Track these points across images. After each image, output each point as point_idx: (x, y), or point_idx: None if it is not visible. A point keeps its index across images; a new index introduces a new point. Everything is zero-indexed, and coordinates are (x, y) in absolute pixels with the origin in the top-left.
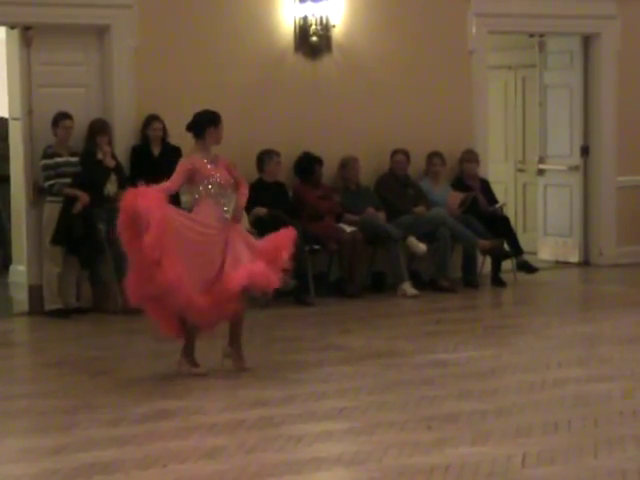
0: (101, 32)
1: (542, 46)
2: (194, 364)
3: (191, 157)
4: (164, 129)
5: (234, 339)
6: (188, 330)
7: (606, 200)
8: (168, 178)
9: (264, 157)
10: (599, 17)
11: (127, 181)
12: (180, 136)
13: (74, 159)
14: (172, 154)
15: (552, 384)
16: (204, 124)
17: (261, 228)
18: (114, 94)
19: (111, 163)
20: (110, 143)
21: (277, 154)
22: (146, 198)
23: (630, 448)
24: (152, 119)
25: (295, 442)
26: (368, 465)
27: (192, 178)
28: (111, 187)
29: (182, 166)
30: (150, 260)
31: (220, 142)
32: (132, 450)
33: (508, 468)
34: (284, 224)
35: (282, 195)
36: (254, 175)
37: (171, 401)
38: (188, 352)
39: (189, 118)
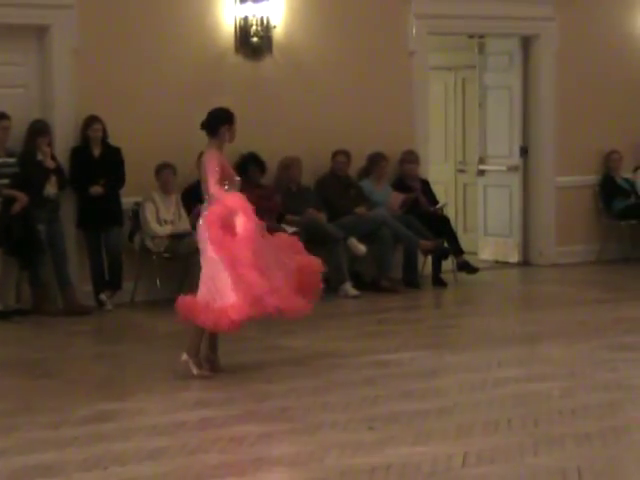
0: (41, 32)
1: (482, 47)
2: (199, 365)
3: (215, 152)
4: (104, 130)
5: (214, 344)
6: (196, 329)
7: (545, 200)
8: (108, 179)
9: (200, 157)
10: (538, 19)
11: (67, 182)
12: (120, 137)
13: (12, 160)
14: (112, 155)
15: (493, 384)
16: (218, 122)
17: None
18: (54, 95)
19: (51, 164)
20: (50, 144)
21: None
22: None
23: (569, 447)
24: (92, 120)
25: (237, 443)
26: (310, 466)
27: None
28: (51, 188)
29: (215, 159)
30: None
31: (233, 140)
32: (73, 452)
33: (449, 467)
34: None
35: None
36: (195, 175)
37: (112, 403)
38: (194, 352)
39: (130, 118)
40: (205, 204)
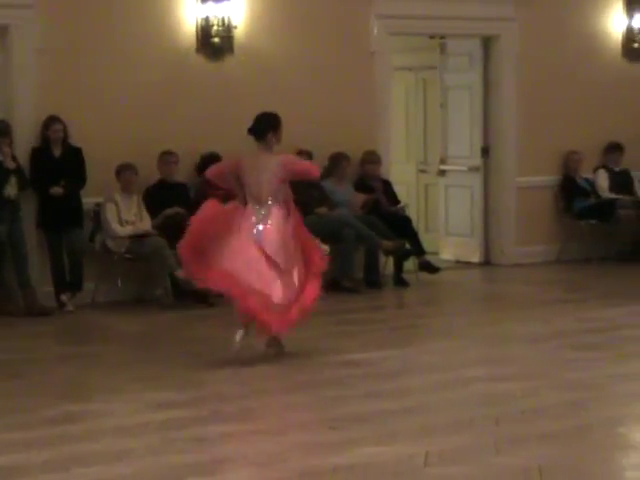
0: (1, 32)
1: (443, 48)
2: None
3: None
4: (65, 130)
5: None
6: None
7: (506, 200)
8: (69, 179)
9: (161, 157)
10: (498, 19)
11: (27, 183)
12: (81, 137)
13: None
14: (73, 155)
15: (456, 384)
16: (265, 128)
17: (165, 229)
18: (15, 95)
19: (11, 165)
20: (11, 145)
21: (173, 154)
22: None
23: (531, 446)
24: (52, 120)
25: (200, 444)
26: (273, 466)
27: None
28: (11, 189)
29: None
30: None
31: (279, 143)
32: (38, 454)
33: (411, 467)
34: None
35: (183, 195)
36: (156, 175)
37: (77, 404)
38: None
39: (91, 119)
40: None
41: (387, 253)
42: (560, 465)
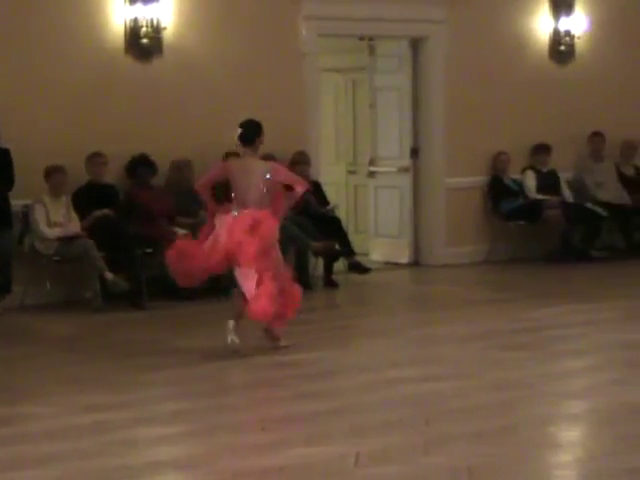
0: None
1: (372, 49)
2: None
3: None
4: None
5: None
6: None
7: (435, 201)
8: None
9: (90, 158)
10: (427, 21)
11: None
12: (9, 138)
13: None
14: (1, 156)
15: (386, 384)
16: (255, 134)
17: (94, 231)
18: None
19: None
20: None
21: (102, 155)
22: None
23: (461, 446)
24: None
25: (130, 446)
26: (203, 468)
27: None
28: None
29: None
30: None
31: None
32: None
33: (342, 468)
34: (116, 226)
35: (112, 197)
36: (84, 177)
37: (6, 408)
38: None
39: (19, 120)
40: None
41: (317, 254)
42: (489, 464)
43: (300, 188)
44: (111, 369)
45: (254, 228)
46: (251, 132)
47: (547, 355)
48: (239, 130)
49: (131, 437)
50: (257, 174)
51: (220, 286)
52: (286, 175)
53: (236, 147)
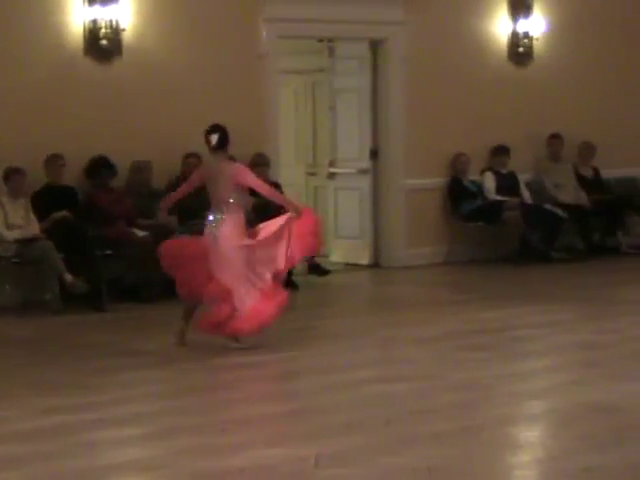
0: None
1: (331, 51)
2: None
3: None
4: None
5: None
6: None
7: (395, 203)
8: None
9: (49, 160)
10: (387, 23)
11: None
12: None
13: None
14: None
15: (346, 385)
16: (228, 138)
17: (54, 233)
18: None
19: None
20: None
21: (60, 157)
22: None
23: (421, 447)
24: None
25: (90, 449)
26: (163, 470)
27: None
28: None
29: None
30: None
31: None
32: None
33: (302, 469)
34: (76, 228)
35: (71, 199)
36: (43, 179)
37: None
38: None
39: None
40: (217, 211)
41: None
42: (449, 465)
43: (262, 192)
44: (71, 371)
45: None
46: (225, 138)
47: (506, 356)
48: (214, 135)
49: (92, 439)
50: (227, 176)
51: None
52: (251, 179)
53: (211, 152)
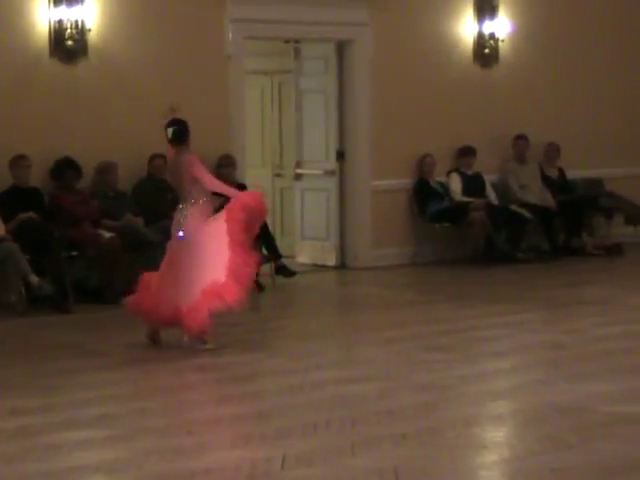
0: None
1: (297, 52)
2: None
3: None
4: None
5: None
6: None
7: (361, 204)
8: None
9: (14, 161)
10: (352, 24)
11: None
12: None
13: None
14: None
15: (311, 386)
16: (188, 132)
17: (19, 234)
18: None
19: None
20: None
21: (25, 158)
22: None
23: (386, 447)
24: None
25: (54, 451)
26: (128, 472)
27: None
28: None
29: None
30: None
31: None
32: None
33: (268, 470)
34: (41, 229)
35: (37, 200)
36: (9, 180)
37: None
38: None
39: None
40: (184, 205)
41: None
42: (415, 466)
43: (206, 183)
44: (35, 373)
45: None
46: (182, 131)
47: (472, 356)
48: (169, 129)
49: (55, 441)
50: (185, 168)
51: None
52: (196, 170)
53: (169, 145)
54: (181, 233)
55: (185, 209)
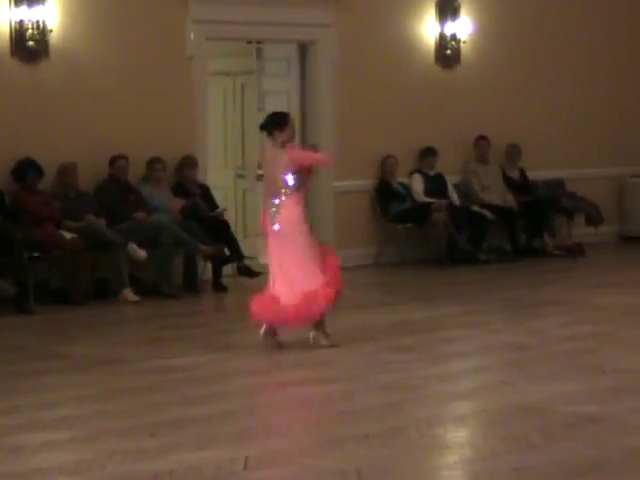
0: None
1: (260, 53)
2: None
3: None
4: None
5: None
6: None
7: (324, 204)
8: None
9: None
10: (315, 25)
11: None
12: None
13: None
14: None
15: (275, 387)
16: (271, 126)
17: None
18: None
19: None
20: None
21: None
22: None
23: (349, 448)
24: None
25: (17, 453)
26: (91, 474)
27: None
28: None
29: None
30: None
31: (292, 141)
32: None
33: (231, 471)
34: (4, 230)
35: None
36: None
37: None
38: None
39: None
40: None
41: (205, 258)
42: (378, 466)
43: (324, 165)
44: None
45: None
46: (266, 124)
47: (435, 357)
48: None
49: (17, 443)
50: (278, 164)
51: (107, 290)
52: (306, 160)
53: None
54: (277, 226)
55: (279, 203)
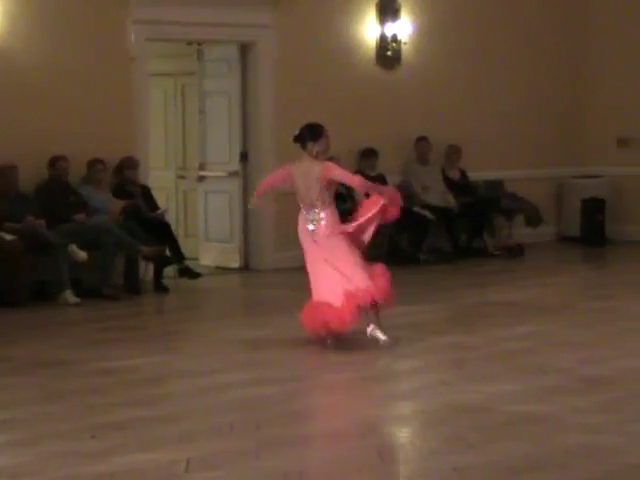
0: None
1: (200, 54)
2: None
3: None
4: None
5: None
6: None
7: (264, 206)
8: None
9: None
10: (255, 26)
11: None
12: None
13: None
14: None
15: (216, 389)
16: (304, 139)
17: None
18: None
19: None
20: None
21: None
22: None
23: (292, 449)
24: None
25: None
26: (31, 477)
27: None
28: None
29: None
30: None
31: (326, 153)
32: None
33: (172, 474)
34: None
35: None
36: None
37: None
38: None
39: None
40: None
41: (147, 259)
42: (320, 467)
43: (354, 185)
44: None
45: None
46: (300, 136)
47: (375, 357)
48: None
49: None
50: (313, 175)
51: (48, 292)
52: (338, 176)
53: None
54: (317, 237)
55: (318, 213)
